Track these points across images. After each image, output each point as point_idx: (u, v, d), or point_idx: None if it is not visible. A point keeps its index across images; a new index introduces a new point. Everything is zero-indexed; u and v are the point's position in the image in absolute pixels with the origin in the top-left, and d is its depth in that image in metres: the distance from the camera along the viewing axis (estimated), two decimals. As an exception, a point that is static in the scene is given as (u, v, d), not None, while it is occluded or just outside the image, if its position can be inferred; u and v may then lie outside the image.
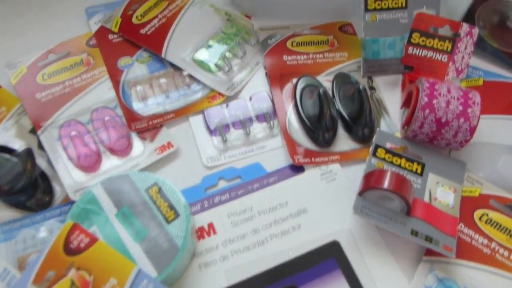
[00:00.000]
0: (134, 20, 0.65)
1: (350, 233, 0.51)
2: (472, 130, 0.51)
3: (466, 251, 0.49)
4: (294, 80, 0.61)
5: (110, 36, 0.64)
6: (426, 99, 0.52)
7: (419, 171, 0.53)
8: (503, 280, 0.48)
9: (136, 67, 0.62)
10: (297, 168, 0.56)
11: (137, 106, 0.59)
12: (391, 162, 0.53)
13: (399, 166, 0.53)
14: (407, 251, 0.50)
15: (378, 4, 0.61)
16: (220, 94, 0.60)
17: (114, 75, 0.61)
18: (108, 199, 0.48)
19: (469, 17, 0.68)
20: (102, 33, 0.64)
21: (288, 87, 0.61)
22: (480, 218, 0.51)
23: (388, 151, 0.54)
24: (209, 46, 0.64)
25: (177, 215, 0.47)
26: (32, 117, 0.57)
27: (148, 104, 0.59)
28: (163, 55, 0.62)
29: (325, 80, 0.62)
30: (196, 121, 0.59)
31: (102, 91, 0.60)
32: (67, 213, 0.48)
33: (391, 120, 0.60)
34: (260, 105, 0.60)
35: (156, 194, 0.48)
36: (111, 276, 0.42)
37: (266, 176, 0.55)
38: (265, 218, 0.52)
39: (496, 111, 0.60)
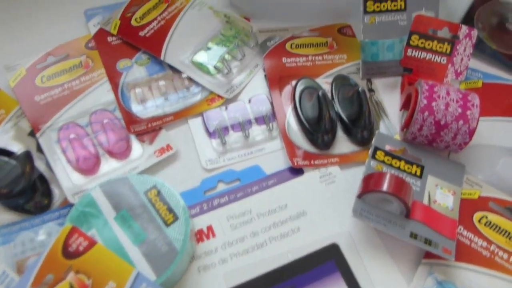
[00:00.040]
0: (133, 23, 0.65)
1: (350, 235, 0.51)
2: (471, 133, 0.51)
3: (465, 254, 0.49)
4: (293, 82, 0.61)
5: (109, 39, 0.64)
6: (425, 101, 0.52)
7: (418, 173, 0.53)
8: (503, 283, 0.48)
9: (135, 70, 0.62)
10: (296, 171, 0.56)
11: (136, 109, 0.59)
12: (390, 165, 0.53)
13: (398, 168, 0.53)
14: (406, 254, 0.50)
15: (377, 7, 0.61)
16: (219, 96, 0.60)
17: (113, 77, 0.61)
18: (107, 202, 0.48)
19: (468, 19, 0.68)
20: (101, 36, 0.64)
21: (287, 89, 0.61)
22: (479, 221, 0.51)
23: (387, 153, 0.54)
24: (208, 48, 0.64)
25: (176, 218, 0.47)
26: (31, 120, 0.57)
27: (147, 107, 0.59)
28: (162, 58, 0.62)
29: (324, 82, 0.62)
30: (195, 123, 0.59)
31: (101, 94, 0.60)
32: (66, 216, 0.48)
33: (390, 122, 0.60)
34: (259, 107, 0.59)
35: (155, 197, 0.48)
36: (109, 280, 0.42)
37: (265, 179, 0.55)
38: (264, 221, 0.52)
39: (495, 113, 0.60)
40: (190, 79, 0.61)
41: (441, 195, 0.52)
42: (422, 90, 0.53)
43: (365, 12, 0.61)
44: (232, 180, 0.55)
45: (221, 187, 0.55)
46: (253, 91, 0.62)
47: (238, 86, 0.62)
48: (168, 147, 0.56)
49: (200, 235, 0.51)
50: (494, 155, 0.56)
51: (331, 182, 0.55)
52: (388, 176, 0.48)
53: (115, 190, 0.48)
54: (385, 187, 0.47)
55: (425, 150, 0.55)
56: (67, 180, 0.53)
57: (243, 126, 0.58)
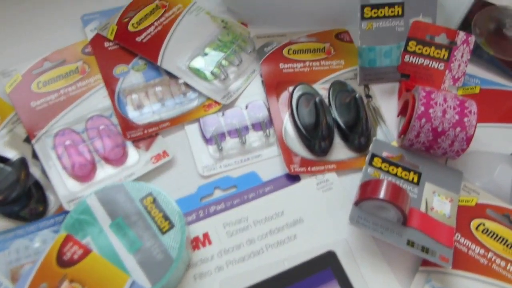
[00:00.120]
0: (130, 28, 0.65)
1: (346, 243, 0.51)
2: (469, 140, 0.51)
3: (462, 261, 0.49)
4: (291, 88, 0.61)
5: (106, 44, 0.64)
6: (422, 108, 0.52)
7: (415, 180, 0.53)
8: (500, 291, 0.48)
9: (131, 75, 0.62)
10: (293, 177, 0.55)
11: (133, 115, 0.58)
12: (388, 171, 0.53)
13: (396, 175, 0.53)
14: (403, 262, 0.50)
15: (375, 13, 0.61)
16: (216, 102, 0.60)
17: (110, 83, 0.61)
18: (102, 209, 0.47)
19: (466, 24, 0.68)
20: (97, 41, 0.64)
21: (285, 95, 0.61)
22: (476, 228, 0.51)
23: (384, 160, 0.54)
24: (205, 54, 0.63)
25: (171, 225, 0.47)
26: (26, 126, 0.56)
27: (143, 113, 0.59)
28: (159, 63, 0.62)
29: (321, 88, 0.62)
30: (191, 129, 0.59)
31: (98, 100, 0.60)
32: (61, 223, 0.48)
33: (388, 129, 0.60)
34: (256, 113, 0.59)
35: (151, 205, 0.48)
36: (104, 288, 0.42)
37: (262, 186, 0.55)
38: (261, 228, 0.51)
39: (493, 119, 0.60)
40: (187, 85, 0.61)
41: (438, 202, 0.51)
42: (419, 96, 0.52)
43: (363, 18, 0.61)
44: (228, 186, 0.55)
45: (218, 194, 0.55)
46: (250, 97, 0.62)
47: (235, 92, 0.61)
48: (165, 153, 0.56)
49: (196, 243, 0.50)
50: (491, 162, 0.56)
51: (328, 189, 0.54)
52: (385, 184, 0.48)
53: (111, 197, 0.48)
54: (382, 194, 0.47)
55: (423, 157, 0.55)
56: (63, 187, 0.53)
57: (240, 132, 0.58)
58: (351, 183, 0.55)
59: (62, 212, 0.52)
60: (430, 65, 0.60)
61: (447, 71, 0.59)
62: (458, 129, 0.51)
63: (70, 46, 0.64)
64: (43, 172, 0.54)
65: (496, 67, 0.65)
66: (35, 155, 0.55)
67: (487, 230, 0.51)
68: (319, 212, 0.53)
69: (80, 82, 0.61)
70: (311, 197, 0.54)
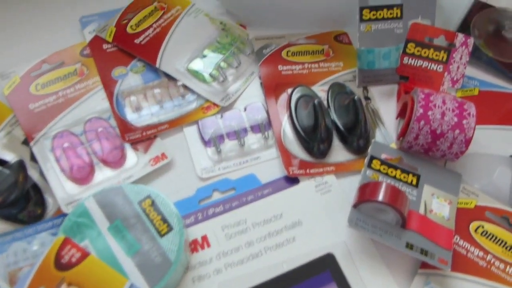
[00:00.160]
0: (128, 30, 0.64)
1: (345, 245, 0.51)
2: (467, 142, 0.51)
3: (461, 264, 0.49)
4: (289, 90, 0.61)
5: (104, 46, 0.64)
6: (421, 110, 0.52)
7: (414, 182, 0.53)
8: (499, 294, 0.48)
9: (130, 77, 0.61)
10: (292, 180, 0.55)
11: (131, 117, 0.58)
12: (386, 174, 0.53)
13: (394, 177, 0.53)
14: (402, 264, 0.50)
15: (373, 15, 0.61)
16: (214, 104, 0.60)
17: (108, 85, 0.60)
18: (100, 212, 0.47)
19: (465, 26, 0.68)
20: (96, 43, 0.64)
21: (283, 97, 0.61)
22: (475, 230, 0.51)
23: (383, 162, 0.54)
24: (204, 56, 0.63)
25: (170, 228, 0.47)
26: (24, 128, 0.56)
27: (142, 115, 0.59)
28: (157, 65, 0.62)
29: (320, 90, 0.61)
30: (190, 132, 0.59)
31: (96, 102, 0.59)
32: (59, 225, 0.48)
33: (387, 131, 0.60)
34: (255, 115, 0.59)
35: (149, 207, 0.48)
36: (102, 292, 0.41)
37: (261, 188, 0.55)
38: (259, 231, 0.51)
39: (491, 121, 0.60)
40: (185, 87, 0.61)
41: (437, 205, 0.51)
42: (418, 99, 0.52)
43: (361, 20, 0.61)
44: (227, 189, 0.55)
45: (216, 196, 0.55)
46: (249, 99, 0.62)
47: (233, 94, 0.61)
48: (163, 155, 0.56)
49: (195, 245, 0.50)
50: (490, 164, 0.56)
51: (327, 191, 0.54)
52: (383, 186, 0.48)
53: (109, 200, 0.48)
54: (380, 197, 0.47)
55: (421, 159, 0.55)
56: (61, 189, 0.53)
57: (238, 134, 0.58)
58: (350, 185, 0.55)
59: (60, 214, 0.52)
60: (429, 67, 0.60)
61: (446, 73, 0.59)
62: (457, 131, 0.51)
63: (69, 48, 0.64)
64: (41, 174, 0.54)
65: (495, 69, 0.65)
66: (33, 158, 0.55)
67: (486, 233, 0.51)
68: (318, 215, 0.52)
69: (79, 84, 0.61)
70: (310, 200, 0.54)
